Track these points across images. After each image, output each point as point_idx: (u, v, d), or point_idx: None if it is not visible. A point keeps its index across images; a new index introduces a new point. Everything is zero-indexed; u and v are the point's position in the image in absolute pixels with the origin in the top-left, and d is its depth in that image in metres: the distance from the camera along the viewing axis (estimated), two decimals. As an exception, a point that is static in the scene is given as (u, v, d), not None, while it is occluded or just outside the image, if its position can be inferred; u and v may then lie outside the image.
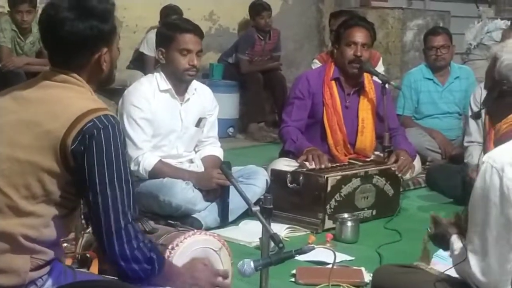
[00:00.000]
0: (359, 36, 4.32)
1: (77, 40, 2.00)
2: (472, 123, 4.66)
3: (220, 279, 2.30)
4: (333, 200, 3.88)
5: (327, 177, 3.85)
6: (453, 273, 2.37)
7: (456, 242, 2.34)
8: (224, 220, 3.83)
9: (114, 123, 1.97)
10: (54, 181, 1.96)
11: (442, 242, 2.45)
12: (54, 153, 1.94)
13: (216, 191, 3.79)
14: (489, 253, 2.11)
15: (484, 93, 4.82)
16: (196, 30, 3.87)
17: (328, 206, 3.86)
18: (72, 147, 1.93)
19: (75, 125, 1.93)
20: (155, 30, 6.66)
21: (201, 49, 3.90)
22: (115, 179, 1.95)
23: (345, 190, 3.94)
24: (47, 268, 2.03)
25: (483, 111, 2.54)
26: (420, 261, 2.75)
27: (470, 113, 4.70)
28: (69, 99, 1.99)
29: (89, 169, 1.94)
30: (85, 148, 1.93)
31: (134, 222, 2.00)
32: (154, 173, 3.82)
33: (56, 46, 2.04)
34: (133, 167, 3.77)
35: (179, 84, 3.91)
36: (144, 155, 3.80)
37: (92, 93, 2.06)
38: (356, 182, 4.00)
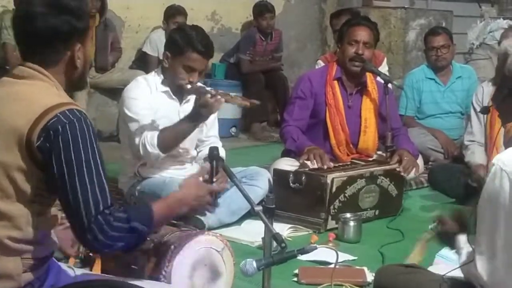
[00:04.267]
0: (361, 34, 4.32)
1: (50, 35, 1.98)
2: (474, 122, 4.67)
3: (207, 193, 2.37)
4: (337, 200, 3.88)
5: (333, 178, 3.84)
6: (456, 273, 2.37)
7: (462, 242, 2.34)
8: (213, 205, 3.81)
9: (80, 117, 1.93)
10: (25, 179, 1.93)
11: (449, 240, 2.45)
12: (21, 150, 1.91)
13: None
14: (496, 255, 2.10)
15: (486, 92, 4.85)
16: (207, 53, 3.80)
17: (332, 207, 3.86)
18: (37, 143, 1.89)
19: (39, 121, 1.90)
20: (158, 30, 6.74)
21: (206, 67, 3.88)
22: (85, 174, 1.91)
23: (350, 190, 3.94)
24: (43, 269, 2.01)
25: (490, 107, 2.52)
26: (411, 258, 2.73)
27: (472, 113, 4.70)
28: (33, 94, 1.96)
29: (57, 165, 1.90)
30: (50, 144, 1.90)
31: (107, 209, 1.94)
32: (162, 143, 3.74)
33: (29, 41, 2.02)
34: (143, 152, 3.75)
35: (176, 90, 3.93)
36: (146, 134, 3.75)
37: (58, 88, 2.02)
38: (361, 182, 4.00)
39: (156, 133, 3.75)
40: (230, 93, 3.76)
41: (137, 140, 3.77)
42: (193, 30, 3.87)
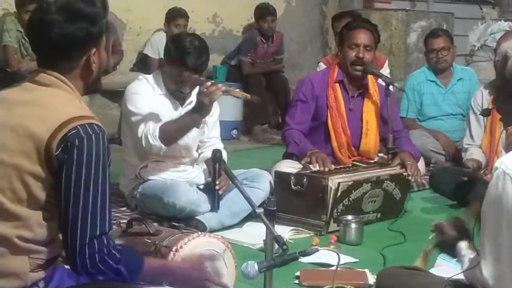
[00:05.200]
0: (361, 37, 4.32)
1: (66, 42, 2.00)
2: (473, 126, 4.68)
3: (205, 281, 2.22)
4: (341, 204, 3.88)
5: (338, 183, 3.83)
6: (459, 276, 2.36)
7: (463, 249, 2.34)
8: (215, 207, 3.82)
9: (98, 133, 1.95)
10: (39, 185, 1.94)
11: (449, 248, 2.44)
12: (38, 156, 1.92)
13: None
14: (501, 259, 2.09)
15: (485, 96, 4.86)
16: (197, 68, 3.77)
17: (335, 210, 3.85)
18: (57, 153, 1.91)
19: (59, 130, 1.91)
20: (160, 32, 6.74)
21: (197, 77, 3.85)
22: (91, 190, 1.92)
23: (354, 195, 3.93)
24: (49, 270, 2.02)
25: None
26: (417, 264, 2.73)
27: (471, 116, 4.71)
28: (56, 104, 1.98)
29: (66, 176, 1.91)
30: (67, 156, 1.91)
31: (105, 235, 1.95)
32: (164, 135, 3.73)
33: (46, 49, 2.04)
34: (145, 144, 3.75)
35: (173, 94, 3.94)
36: (148, 127, 3.75)
37: (80, 100, 2.05)
38: (366, 187, 3.98)
39: (158, 125, 3.75)
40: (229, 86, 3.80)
41: (139, 132, 3.77)
42: (190, 43, 3.79)
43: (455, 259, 2.43)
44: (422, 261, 2.73)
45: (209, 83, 3.60)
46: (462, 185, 4.36)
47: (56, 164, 1.93)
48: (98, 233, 1.94)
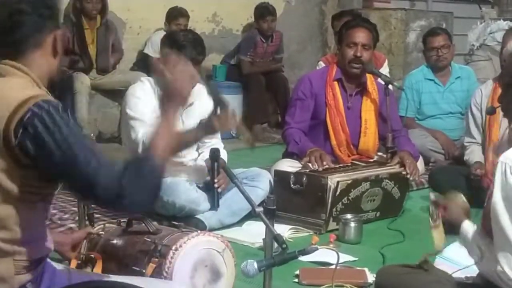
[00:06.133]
0: (360, 36, 4.33)
1: (32, 17, 1.97)
2: (472, 124, 4.69)
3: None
4: (340, 203, 3.88)
5: (338, 181, 3.84)
6: (458, 274, 2.37)
7: (470, 232, 2.34)
8: (214, 206, 3.82)
9: (55, 104, 1.88)
10: (8, 178, 1.87)
11: (451, 227, 2.45)
12: None
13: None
14: None
15: (485, 95, 4.87)
16: (193, 58, 3.73)
17: (334, 209, 3.86)
18: (17, 141, 1.84)
19: (12, 118, 1.84)
20: (160, 32, 6.73)
21: (198, 71, 3.83)
22: (76, 147, 1.84)
23: (354, 193, 3.94)
24: (36, 272, 1.97)
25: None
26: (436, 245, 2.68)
27: (470, 115, 4.72)
28: (6, 91, 1.91)
29: (46, 156, 1.83)
30: (31, 139, 1.84)
31: (106, 164, 1.87)
32: None
33: (7, 28, 1.98)
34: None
35: None
36: (147, 136, 3.76)
37: (39, 84, 1.97)
38: (365, 185, 3.99)
39: None
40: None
41: (137, 137, 3.77)
42: (184, 37, 3.82)
43: (452, 255, 2.44)
44: (438, 239, 2.67)
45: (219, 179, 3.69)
46: (461, 184, 4.37)
47: (19, 152, 1.85)
48: (102, 161, 1.87)
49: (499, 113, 3.88)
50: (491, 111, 4.12)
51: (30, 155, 1.85)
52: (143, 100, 3.86)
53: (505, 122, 3.07)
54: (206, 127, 3.58)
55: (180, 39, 3.83)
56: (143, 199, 1.87)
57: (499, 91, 2.45)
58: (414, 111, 5.72)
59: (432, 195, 2.57)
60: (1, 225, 1.90)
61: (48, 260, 2.07)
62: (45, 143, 1.84)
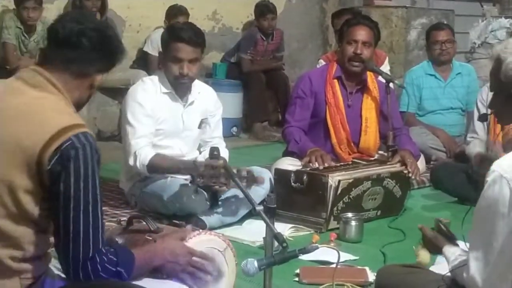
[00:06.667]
0: (360, 34, 4.32)
1: (88, 47, 2.01)
2: (477, 122, 4.69)
3: (196, 258, 2.23)
4: (341, 202, 3.87)
5: (339, 180, 3.83)
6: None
7: (448, 253, 2.35)
8: (213, 205, 3.82)
9: (91, 142, 1.91)
10: (30, 199, 1.89)
11: (437, 251, 2.47)
12: (29, 170, 1.87)
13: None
14: (491, 262, 2.08)
15: (491, 93, 4.86)
16: (190, 39, 3.80)
17: (335, 208, 3.85)
18: (49, 166, 1.85)
19: (52, 143, 1.86)
20: (160, 29, 6.71)
21: (196, 57, 3.84)
22: (90, 205, 1.89)
23: (355, 192, 3.93)
24: (38, 284, 1.98)
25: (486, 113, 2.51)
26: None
27: (476, 110, 4.72)
28: (46, 112, 1.92)
29: (65, 191, 1.87)
30: (62, 169, 1.86)
31: (97, 253, 1.93)
32: (152, 167, 3.76)
33: (70, 43, 2.01)
34: (131, 162, 3.76)
35: (177, 88, 3.92)
36: (141, 149, 3.76)
37: (68, 104, 2.00)
38: (367, 184, 3.99)
39: (150, 154, 3.75)
40: (247, 171, 3.61)
41: (131, 148, 3.78)
42: (180, 24, 3.97)
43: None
44: (423, 258, 2.74)
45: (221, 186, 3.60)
46: (463, 181, 4.36)
47: (48, 177, 1.87)
48: (100, 245, 1.92)
49: None
50: (483, 119, 4.12)
51: (54, 180, 1.87)
52: (143, 106, 3.84)
53: None
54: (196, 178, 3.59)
55: (178, 26, 3.95)
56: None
57: None
58: (415, 106, 5.72)
59: (419, 225, 2.61)
60: (14, 243, 1.91)
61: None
62: (65, 178, 1.87)
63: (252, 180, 3.57)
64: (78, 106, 2.07)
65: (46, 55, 2.04)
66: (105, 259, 1.94)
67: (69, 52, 2.00)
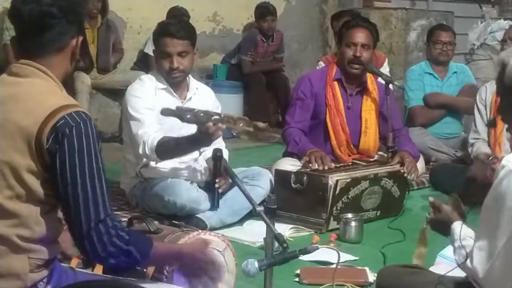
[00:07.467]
0: (359, 36, 4.33)
1: (55, 19, 2.01)
2: (478, 121, 4.72)
3: (208, 260, 2.25)
4: (340, 202, 3.89)
5: (337, 180, 3.85)
6: (455, 273, 2.37)
7: (457, 229, 2.34)
8: (214, 205, 3.82)
9: (85, 119, 1.94)
10: (34, 179, 1.93)
11: (442, 228, 2.45)
12: (30, 150, 1.91)
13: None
14: (495, 255, 2.10)
15: (489, 91, 4.89)
16: (177, 32, 3.82)
17: (334, 208, 3.86)
18: (47, 145, 1.90)
19: (47, 122, 1.90)
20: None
21: (185, 50, 3.84)
22: (87, 179, 1.92)
23: (353, 192, 3.95)
24: (49, 270, 2.01)
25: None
26: (416, 253, 2.74)
27: (476, 111, 4.74)
28: (40, 95, 1.97)
29: (61, 169, 1.91)
30: (58, 147, 1.90)
31: (109, 217, 1.95)
32: (160, 149, 3.70)
33: (35, 29, 2.02)
34: (141, 150, 3.75)
35: (172, 83, 3.95)
36: (149, 135, 3.74)
37: (62, 89, 2.04)
38: (364, 184, 4.00)
39: (157, 137, 3.72)
40: (233, 116, 3.50)
41: (138, 138, 3.77)
42: (168, 21, 4.07)
43: (452, 253, 2.44)
44: (420, 242, 2.73)
45: (210, 124, 3.40)
46: (462, 182, 4.37)
47: (47, 156, 1.91)
48: (102, 216, 1.93)
49: None
50: (492, 124, 4.16)
51: (52, 159, 1.91)
52: (143, 99, 3.87)
53: None
54: (197, 139, 3.56)
55: (167, 21, 4.05)
56: (117, 266, 2.00)
57: None
58: (421, 97, 5.73)
59: (431, 198, 2.58)
60: (21, 222, 1.94)
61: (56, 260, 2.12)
62: (61, 156, 1.90)
63: (251, 126, 3.43)
64: (66, 78, 2.10)
65: (22, 46, 2.07)
66: (113, 232, 1.94)
67: (41, 35, 2.02)
